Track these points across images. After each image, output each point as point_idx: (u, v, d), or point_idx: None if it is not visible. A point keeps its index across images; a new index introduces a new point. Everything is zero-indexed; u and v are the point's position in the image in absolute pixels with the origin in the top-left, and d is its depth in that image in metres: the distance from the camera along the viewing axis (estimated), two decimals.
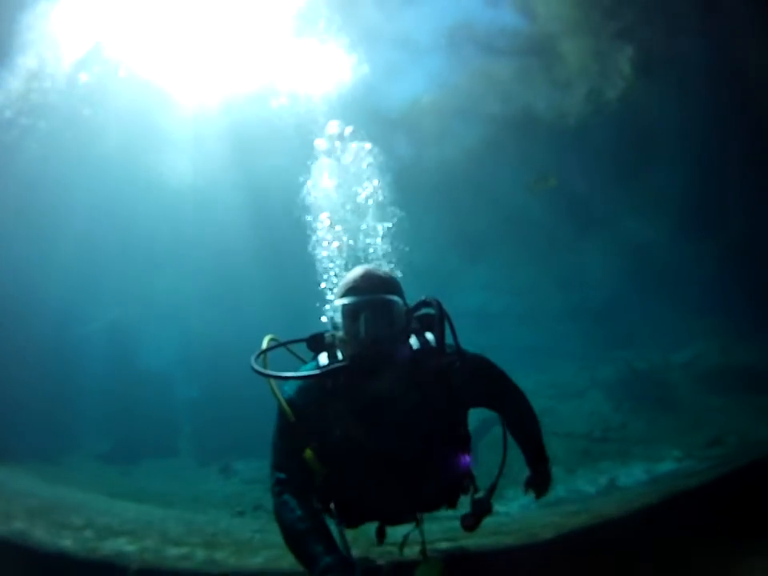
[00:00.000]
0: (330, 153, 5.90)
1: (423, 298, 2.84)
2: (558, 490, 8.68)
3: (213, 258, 15.79)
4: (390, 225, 5.08)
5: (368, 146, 5.73)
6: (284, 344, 3.02)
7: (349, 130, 6.05)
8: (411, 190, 13.52)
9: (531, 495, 3.16)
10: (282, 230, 11.58)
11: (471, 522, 2.95)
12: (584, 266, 15.90)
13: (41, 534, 3.96)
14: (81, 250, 14.18)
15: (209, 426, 12.27)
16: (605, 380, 12.92)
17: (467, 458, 2.84)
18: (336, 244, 4.77)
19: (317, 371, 2.61)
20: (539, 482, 3.12)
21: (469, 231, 16.61)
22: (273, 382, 2.67)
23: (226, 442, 11.52)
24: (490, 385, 2.95)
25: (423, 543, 3.07)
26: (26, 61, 10.47)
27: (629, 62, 11.77)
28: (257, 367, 2.67)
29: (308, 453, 2.59)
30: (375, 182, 5.34)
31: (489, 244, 17.01)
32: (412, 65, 14.78)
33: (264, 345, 2.89)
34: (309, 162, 5.74)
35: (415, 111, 14.92)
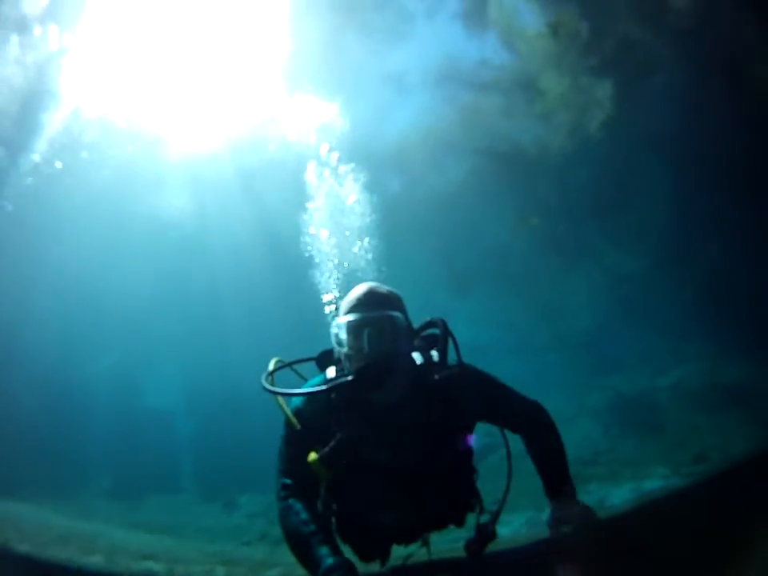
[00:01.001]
0: (322, 185, 6.16)
1: (429, 318, 2.89)
2: (548, 512, 9.06)
3: (212, 296, 16.18)
4: (370, 256, 5.23)
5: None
6: (290, 364, 3.10)
7: (337, 158, 6.32)
8: (400, 225, 14.00)
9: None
10: (280, 268, 12.12)
11: (475, 547, 2.90)
12: (569, 298, 16.25)
13: (71, 556, 4.30)
14: (84, 293, 14.62)
15: (211, 462, 12.53)
16: (593, 407, 13.24)
17: (471, 465, 2.86)
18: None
19: (323, 386, 2.66)
20: (572, 512, 2.75)
21: (457, 266, 17.02)
22: (280, 396, 2.75)
23: (229, 477, 11.77)
24: (493, 396, 2.90)
25: (429, 553, 3.00)
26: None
27: (608, 96, 12.42)
28: (267, 386, 2.75)
29: (312, 457, 2.63)
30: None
31: (476, 278, 17.40)
32: (400, 102, 15.45)
33: (271, 366, 2.95)
34: (306, 203, 5.97)
35: (404, 147, 15.34)
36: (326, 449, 2.65)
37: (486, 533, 2.87)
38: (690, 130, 11.13)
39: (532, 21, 12.87)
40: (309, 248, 5.38)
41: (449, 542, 3.22)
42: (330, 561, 2.40)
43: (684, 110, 10.92)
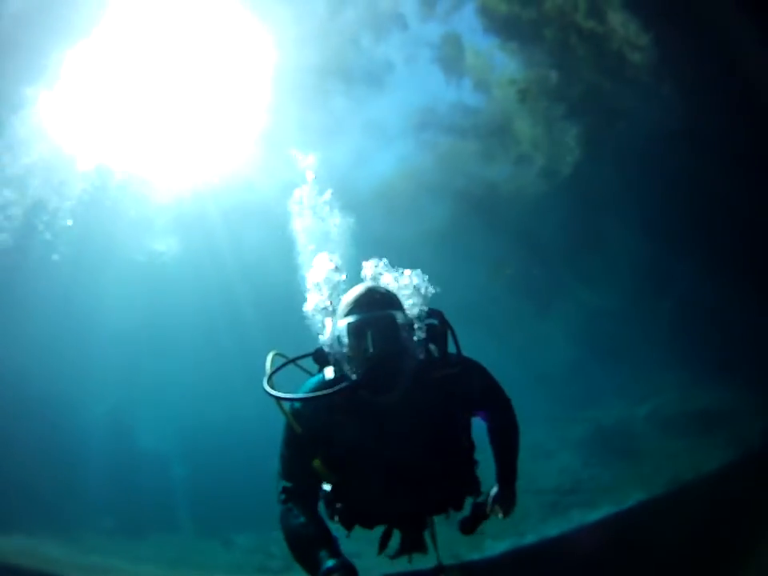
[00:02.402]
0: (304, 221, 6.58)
1: (426, 308, 2.90)
2: (528, 537, 9.60)
3: (200, 338, 16.65)
4: None
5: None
6: (291, 361, 3.11)
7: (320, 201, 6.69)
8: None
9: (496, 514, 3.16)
10: (269, 309, 12.61)
11: (469, 526, 3.07)
12: (546, 336, 16.76)
13: None
14: (76, 343, 15.10)
15: (207, 502, 12.87)
16: (574, 439, 13.72)
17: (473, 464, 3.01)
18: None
19: (328, 390, 2.65)
20: (508, 499, 3.18)
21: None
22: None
23: (225, 516, 12.11)
24: (483, 391, 3.02)
25: (437, 553, 3.16)
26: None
27: (576, 140, 13.33)
28: (269, 390, 2.72)
29: (317, 462, 2.70)
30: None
31: (453, 320, 17.78)
32: (380, 149, 16.07)
33: (268, 362, 2.92)
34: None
35: (385, 191, 15.81)
36: (331, 452, 2.72)
37: (479, 512, 3.06)
38: (657, 170, 12.02)
39: (506, 68, 13.76)
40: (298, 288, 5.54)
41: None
42: (330, 563, 2.42)
43: (648, 154, 11.83)
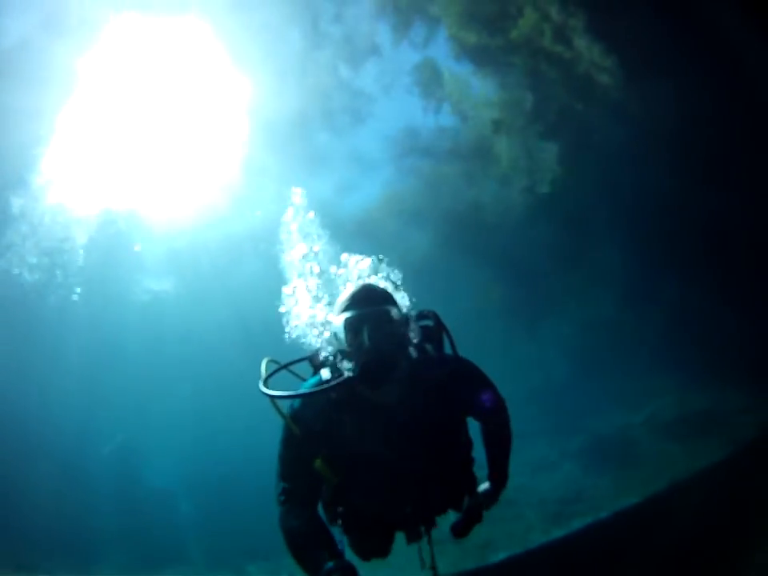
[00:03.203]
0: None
1: (419, 310, 2.99)
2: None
3: (203, 371, 17.03)
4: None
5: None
6: (286, 365, 3.15)
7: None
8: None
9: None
10: (267, 338, 12.85)
11: (461, 529, 3.02)
12: (540, 351, 17.13)
13: None
14: (81, 385, 15.54)
15: (217, 534, 13.23)
16: (574, 450, 14.00)
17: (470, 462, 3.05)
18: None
19: (323, 386, 2.71)
20: (494, 498, 3.16)
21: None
22: (276, 400, 2.76)
23: (236, 546, 12.44)
24: (478, 391, 3.00)
25: (433, 561, 3.11)
26: None
27: (554, 159, 13.85)
28: (265, 390, 2.75)
29: (318, 463, 2.72)
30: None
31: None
32: (364, 177, 16.61)
33: (263, 367, 2.94)
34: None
35: (370, 218, 16.20)
36: (332, 452, 2.75)
37: (472, 515, 3.03)
38: (634, 182, 12.53)
39: (481, 91, 14.25)
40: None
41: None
42: (330, 564, 2.44)
43: (624, 168, 12.38)
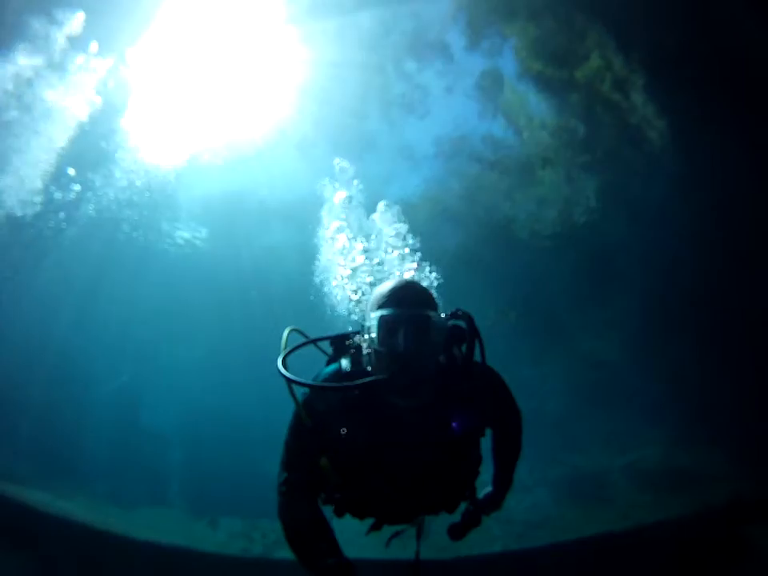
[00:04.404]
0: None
1: (453, 309, 2.84)
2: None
3: (215, 329, 17.69)
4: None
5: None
6: (311, 341, 3.10)
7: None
8: None
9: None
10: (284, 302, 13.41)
11: (458, 533, 3.18)
12: (542, 380, 17.40)
13: None
14: (104, 322, 16.66)
15: (199, 484, 13.85)
16: (552, 479, 14.43)
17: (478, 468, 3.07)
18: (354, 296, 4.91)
19: (350, 383, 2.60)
20: (496, 503, 3.41)
21: None
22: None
23: (214, 499, 13.02)
24: (501, 405, 3.12)
25: (418, 552, 3.24)
26: None
27: (594, 193, 14.31)
28: (285, 373, 2.65)
29: (323, 462, 2.66)
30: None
31: None
32: (408, 171, 16.93)
33: (284, 338, 2.89)
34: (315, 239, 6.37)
35: (407, 210, 16.37)
36: (339, 452, 2.68)
37: (471, 519, 3.18)
38: (663, 238, 12.96)
39: (539, 111, 14.59)
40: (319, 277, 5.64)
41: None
42: (330, 560, 2.50)
43: (659, 218, 12.82)
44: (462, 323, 2.80)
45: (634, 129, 12.59)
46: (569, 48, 12.35)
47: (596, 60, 12.12)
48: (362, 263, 5.46)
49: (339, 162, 7.15)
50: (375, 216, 6.05)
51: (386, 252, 5.57)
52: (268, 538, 10.38)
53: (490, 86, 15.39)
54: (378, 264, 5.40)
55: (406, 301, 2.60)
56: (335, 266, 5.53)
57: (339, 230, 6.11)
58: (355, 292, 5.02)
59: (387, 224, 5.73)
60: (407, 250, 5.39)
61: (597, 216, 14.42)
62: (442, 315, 2.76)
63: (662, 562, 8.78)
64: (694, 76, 10.05)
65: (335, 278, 5.35)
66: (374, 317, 2.60)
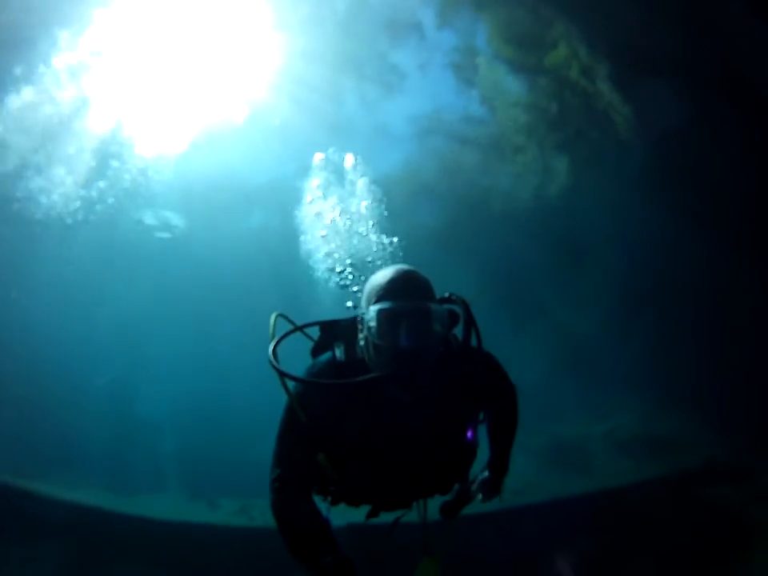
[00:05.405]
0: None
1: (447, 294, 2.74)
2: None
3: (205, 317, 18.18)
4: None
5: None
6: (299, 328, 2.99)
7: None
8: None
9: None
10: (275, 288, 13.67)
11: (451, 511, 3.14)
12: (521, 351, 17.85)
13: None
14: (95, 315, 16.96)
15: (196, 470, 14.35)
16: (533, 448, 14.96)
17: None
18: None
19: (348, 380, 2.51)
20: (495, 487, 3.32)
21: None
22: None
23: (212, 482, 13.52)
24: (498, 388, 3.06)
25: (425, 537, 3.12)
26: None
27: (565, 170, 14.78)
28: (276, 365, 2.57)
29: (321, 458, 2.59)
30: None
31: None
32: (385, 150, 17.08)
33: (271, 325, 2.78)
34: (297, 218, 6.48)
35: (384, 190, 16.59)
36: (337, 446, 2.64)
37: (463, 497, 3.15)
38: (632, 216, 13.48)
39: (512, 87, 14.82)
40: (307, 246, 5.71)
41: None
42: (328, 559, 2.42)
43: (627, 199, 13.32)
44: (455, 308, 2.70)
45: (601, 114, 13.09)
46: (537, 35, 12.75)
47: (563, 49, 12.57)
48: (336, 216, 5.78)
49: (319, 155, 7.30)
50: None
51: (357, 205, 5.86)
52: (267, 515, 10.72)
53: (465, 60, 15.58)
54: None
55: (406, 291, 2.49)
56: (318, 240, 5.64)
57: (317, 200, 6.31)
58: (334, 269, 5.14)
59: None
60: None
61: (570, 192, 14.85)
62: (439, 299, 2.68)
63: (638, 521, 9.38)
64: (659, 69, 10.46)
65: (318, 252, 5.48)
66: (372, 309, 2.49)
